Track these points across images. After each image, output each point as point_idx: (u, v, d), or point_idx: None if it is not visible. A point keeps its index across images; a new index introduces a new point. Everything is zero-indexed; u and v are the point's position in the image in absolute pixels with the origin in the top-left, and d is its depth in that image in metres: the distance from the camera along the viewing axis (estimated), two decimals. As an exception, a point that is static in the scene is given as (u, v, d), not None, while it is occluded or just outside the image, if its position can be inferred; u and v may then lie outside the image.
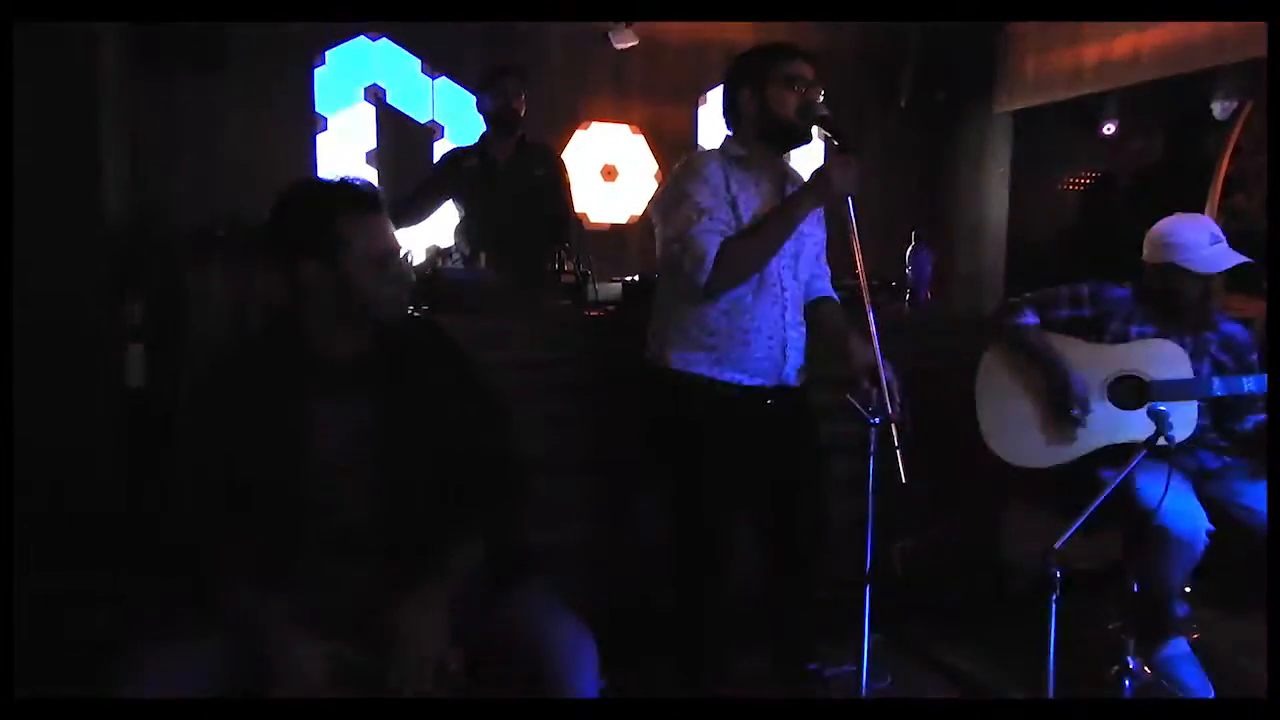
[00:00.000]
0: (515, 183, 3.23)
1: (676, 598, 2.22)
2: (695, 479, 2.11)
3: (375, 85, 3.90)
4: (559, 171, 3.37)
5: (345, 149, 3.81)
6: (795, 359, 2.12)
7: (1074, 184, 5.21)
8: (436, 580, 1.48)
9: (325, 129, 3.81)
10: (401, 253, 1.54)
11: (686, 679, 2.24)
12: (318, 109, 3.79)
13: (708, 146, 2.18)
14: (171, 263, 2.59)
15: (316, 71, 3.77)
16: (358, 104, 3.89)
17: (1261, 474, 2.26)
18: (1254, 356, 2.37)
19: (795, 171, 2.19)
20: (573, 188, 3.42)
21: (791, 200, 2.00)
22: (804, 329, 2.15)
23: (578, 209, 3.60)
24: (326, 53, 3.79)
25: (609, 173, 4.32)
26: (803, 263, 2.14)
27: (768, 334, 2.06)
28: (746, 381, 2.05)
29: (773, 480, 2.17)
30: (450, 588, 1.49)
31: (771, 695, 2.34)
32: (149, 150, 3.30)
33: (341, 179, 1.53)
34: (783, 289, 2.09)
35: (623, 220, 4.35)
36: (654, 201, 2.16)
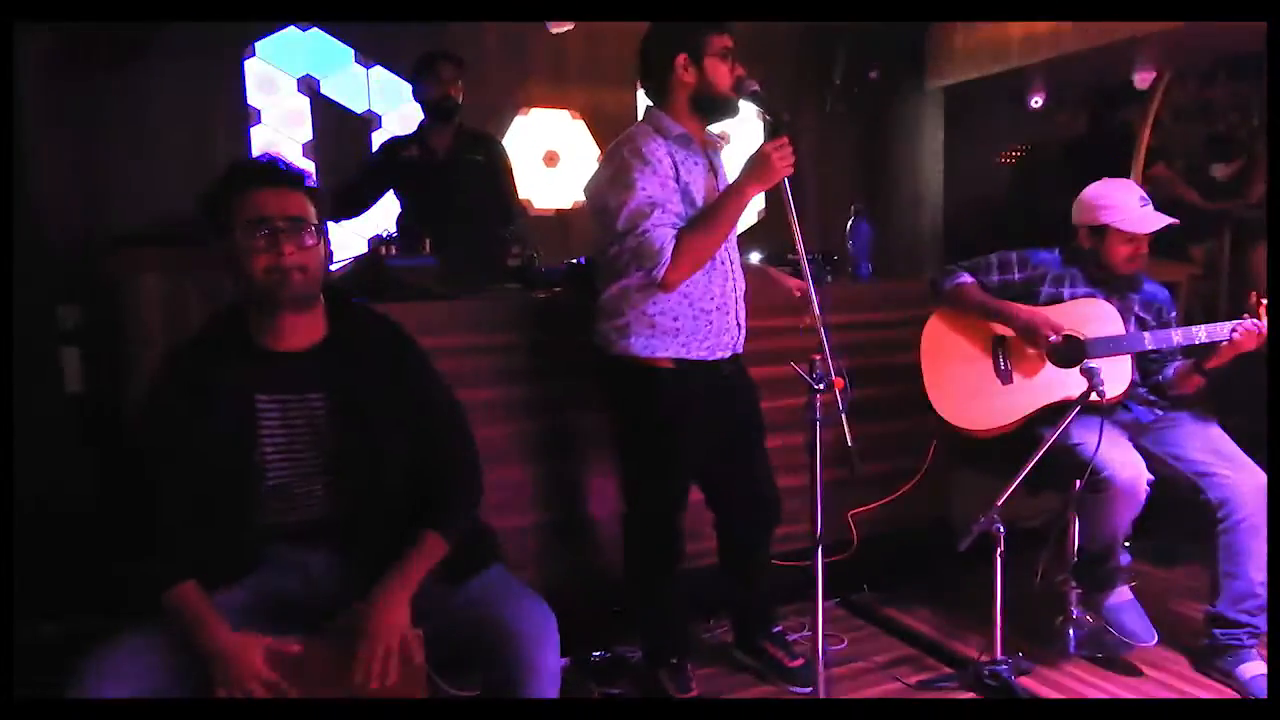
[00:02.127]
0: (456, 170, 3.20)
1: (643, 576, 2.24)
2: (670, 460, 2.15)
3: (308, 76, 3.83)
4: (500, 157, 3.36)
5: (281, 141, 3.74)
6: (743, 328, 2.21)
7: (1005, 157, 5.35)
8: (398, 577, 1.49)
9: (259, 121, 3.73)
10: (300, 227, 1.49)
11: (651, 653, 2.28)
12: (250, 101, 3.70)
13: (643, 123, 2.14)
14: (105, 264, 2.52)
15: (246, 63, 3.68)
16: (291, 95, 3.81)
17: (1191, 423, 2.36)
18: (1173, 314, 2.47)
19: (714, 138, 2.22)
20: (515, 173, 3.40)
21: (736, 188, 2.02)
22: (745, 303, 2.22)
23: (521, 196, 3.57)
24: (256, 44, 3.70)
25: (551, 158, 4.30)
26: (734, 235, 2.19)
27: (724, 309, 2.13)
28: (710, 357, 2.12)
29: (729, 446, 2.22)
30: (411, 583, 1.49)
31: (739, 661, 2.39)
32: (76, 150, 3.20)
33: (252, 156, 1.54)
34: (730, 263, 2.17)
35: (566, 206, 4.33)
36: (597, 187, 2.12)
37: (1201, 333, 2.28)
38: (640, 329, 2.07)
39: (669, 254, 1.97)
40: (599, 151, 4.37)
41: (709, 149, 2.19)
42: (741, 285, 2.21)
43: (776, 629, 2.40)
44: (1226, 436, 2.31)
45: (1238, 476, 2.21)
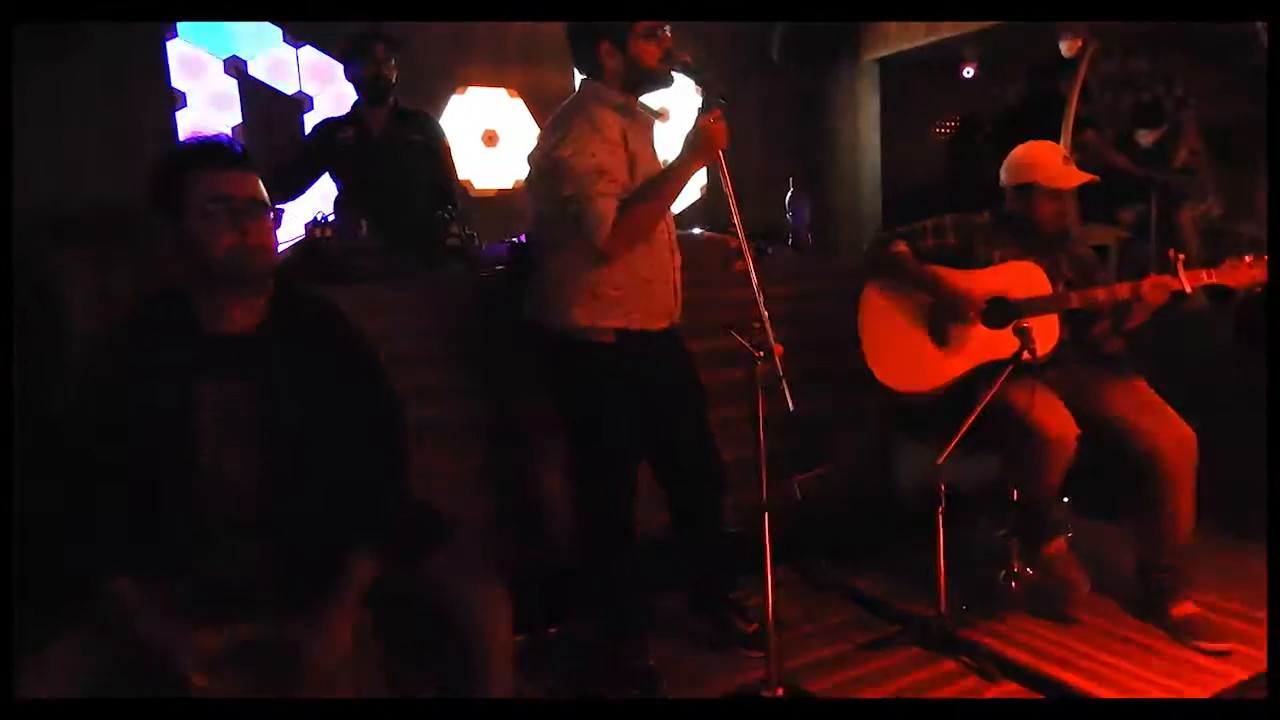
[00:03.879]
0: (393, 151, 3.15)
1: (597, 551, 2.25)
2: (616, 431, 2.16)
3: (235, 57, 3.72)
4: (438, 137, 3.31)
5: (209, 124, 3.63)
6: (680, 296, 2.25)
7: (941, 128, 5.43)
8: (334, 599, 1.44)
9: (185, 105, 3.62)
10: (256, 207, 1.48)
11: (611, 628, 2.28)
12: (174, 84, 3.59)
13: (586, 92, 2.13)
14: (33, 253, 2.43)
15: (169, 44, 3.56)
16: (218, 77, 3.70)
17: (1118, 378, 2.44)
18: (1099, 274, 2.55)
19: (652, 110, 2.23)
20: (453, 153, 3.36)
21: (678, 164, 2.04)
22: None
23: (461, 176, 3.53)
24: (178, 24, 3.58)
25: (490, 138, 4.26)
26: (686, 205, 2.21)
27: (663, 279, 2.16)
28: (650, 327, 2.14)
29: (672, 416, 2.25)
30: (349, 604, 1.45)
31: (696, 628, 2.41)
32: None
33: (193, 136, 1.54)
34: (669, 234, 2.20)
35: (507, 186, 4.29)
36: (545, 150, 2.09)
37: (1124, 289, 2.35)
38: (582, 298, 2.07)
39: (610, 224, 1.97)
40: (538, 130, 4.34)
41: (647, 118, 2.19)
42: (678, 256, 2.24)
43: (731, 595, 2.43)
44: (1152, 391, 2.40)
45: (1162, 429, 2.29)
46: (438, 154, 3.27)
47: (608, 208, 1.98)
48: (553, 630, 2.41)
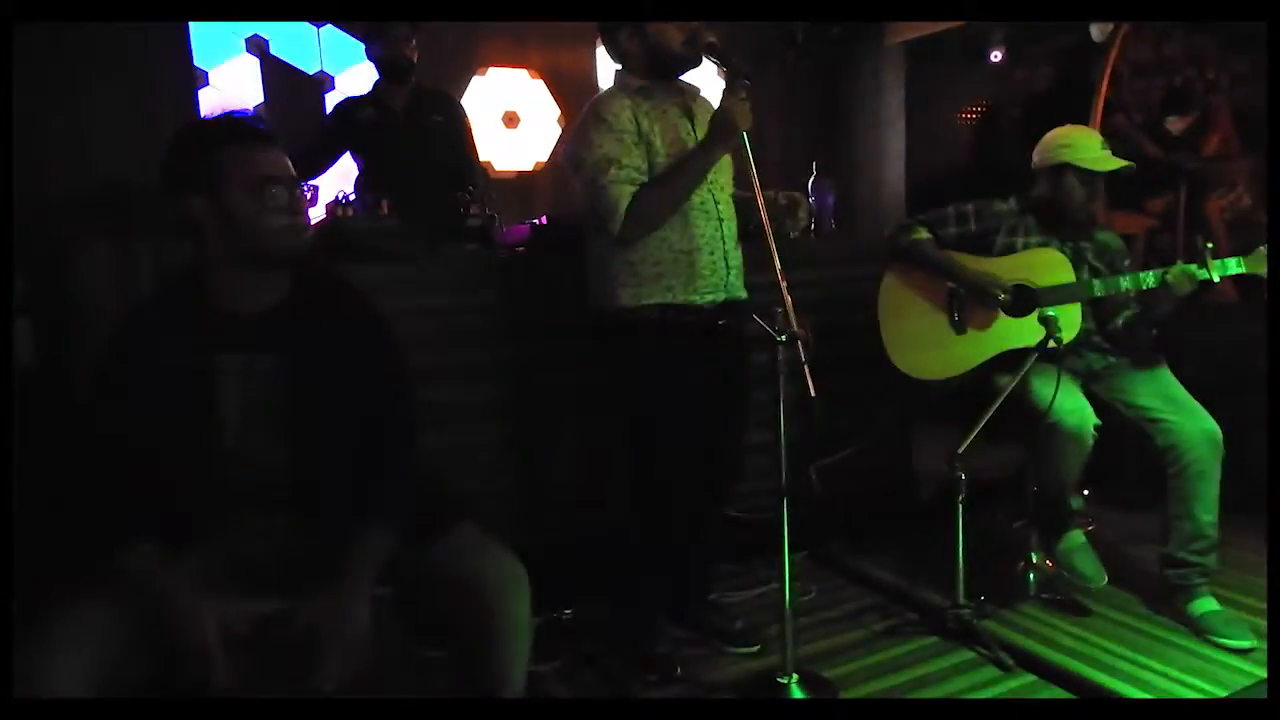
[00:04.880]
0: (414, 131, 3.15)
1: (642, 529, 2.23)
2: (663, 411, 2.13)
3: (257, 36, 3.72)
4: (460, 118, 3.30)
5: (230, 104, 3.64)
6: (737, 270, 2.20)
7: (966, 113, 5.35)
8: (351, 576, 1.43)
9: (206, 84, 3.63)
10: (297, 186, 1.49)
11: (633, 612, 2.28)
12: (196, 63, 3.60)
13: (607, 85, 2.17)
14: (53, 232, 2.45)
15: (191, 23, 3.57)
16: (240, 56, 3.71)
17: (1141, 369, 2.41)
18: (1125, 263, 2.51)
19: (691, 87, 2.21)
20: (474, 134, 3.35)
21: (700, 149, 2.04)
22: (739, 245, 2.21)
23: (481, 158, 3.52)
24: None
25: (511, 119, 4.24)
26: (725, 179, 2.20)
27: (708, 250, 2.12)
28: (699, 301, 2.11)
29: (706, 401, 2.18)
30: (367, 582, 1.45)
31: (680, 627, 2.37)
32: (20, 119, 3.09)
33: (224, 113, 1.52)
34: (716, 203, 2.15)
35: (528, 167, 4.28)
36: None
37: (1149, 278, 2.31)
38: (625, 279, 2.08)
39: (624, 210, 2.00)
40: (559, 112, 4.32)
41: (687, 98, 2.17)
42: (732, 230, 2.19)
43: (711, 597, 2.42)
44: (1176, 382, 2.36)
45: (1185, 422, 2.25)
46: (459, 134, 3.26)
47: (618, 194, 2.00)
48: (569, 611, 2.41)
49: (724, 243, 2.15)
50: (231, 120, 1.52)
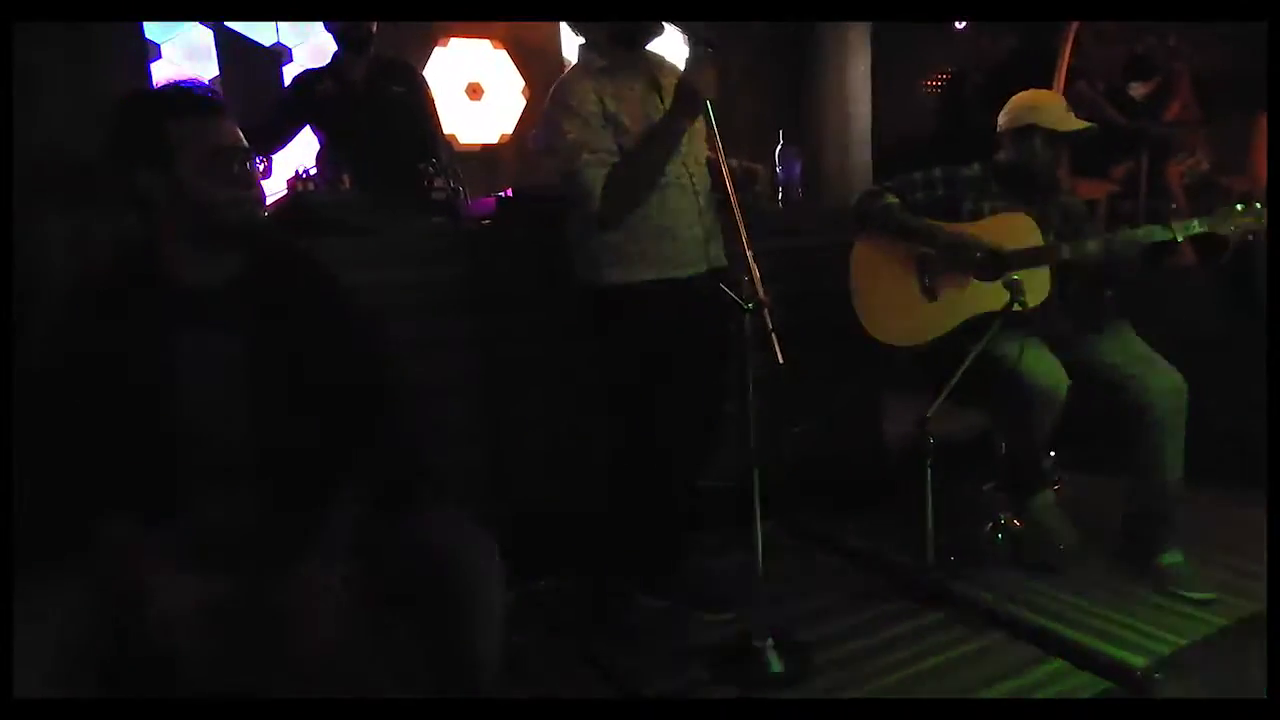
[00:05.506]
0: (375, 103, 3.09)
1: (635, 498, 2.25)
2: (660, 380, 2.15)
3: (211, 7, 3.62)
4: (421, 89, 3.25)
5: (182, 75, 3.54)
6: (718, 241, 2.22)
7: (931, 81, 5.36)
8: (318, 551, 1.43)
9: (159, 56, 3.53)
10: (248, 156, 1.46)
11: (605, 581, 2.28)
12: (148, 36, 3.49)
13: (571, 64, 2.17)
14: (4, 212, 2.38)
15: (142, -6, 3.46)
16: (193, 28, 3.61)
17: (1107, 329, 2.44)
18: (1088, 226, 2.55)
19: (656, 56, 2.20)
20: (437, 105, 3.30)
21: (666, 121, 2.04)
22: (717, 214, 2.22)
23: (445, 130, 3.47)
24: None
25: (474, 90, 4.18)
26: (698, 149, 2.19)
27: (687, 224, 2.14)
28: (682, 275, 2.13)
29: (690, 369, 2.20)
30: (338, 555, 1.44)
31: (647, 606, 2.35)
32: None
33: (172, 83, 1.47)
34: (690, 176, 2.16)
35: (493, 140, 4.23)
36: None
37: (1116, 241, 2.34)
38: (609, 258, 2.10)
39: (599, 193, 2.01)
40: (523, 83, 4.26)
41: (654, 70, 2.16)
42: (708, 197, 2.19)
43: (685, 564, 2.42)
44: (1139, 339, 2.40)
45: (1153, 376, 2.30)
46: (420, 106, 3.21)
47: (593, 178, 2.01)
48: (542, 582, 2.41)
49: (702, 215, 2.16)
50: (179, 90, 1.47)
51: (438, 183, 2.63)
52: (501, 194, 2.62)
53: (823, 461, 2.84)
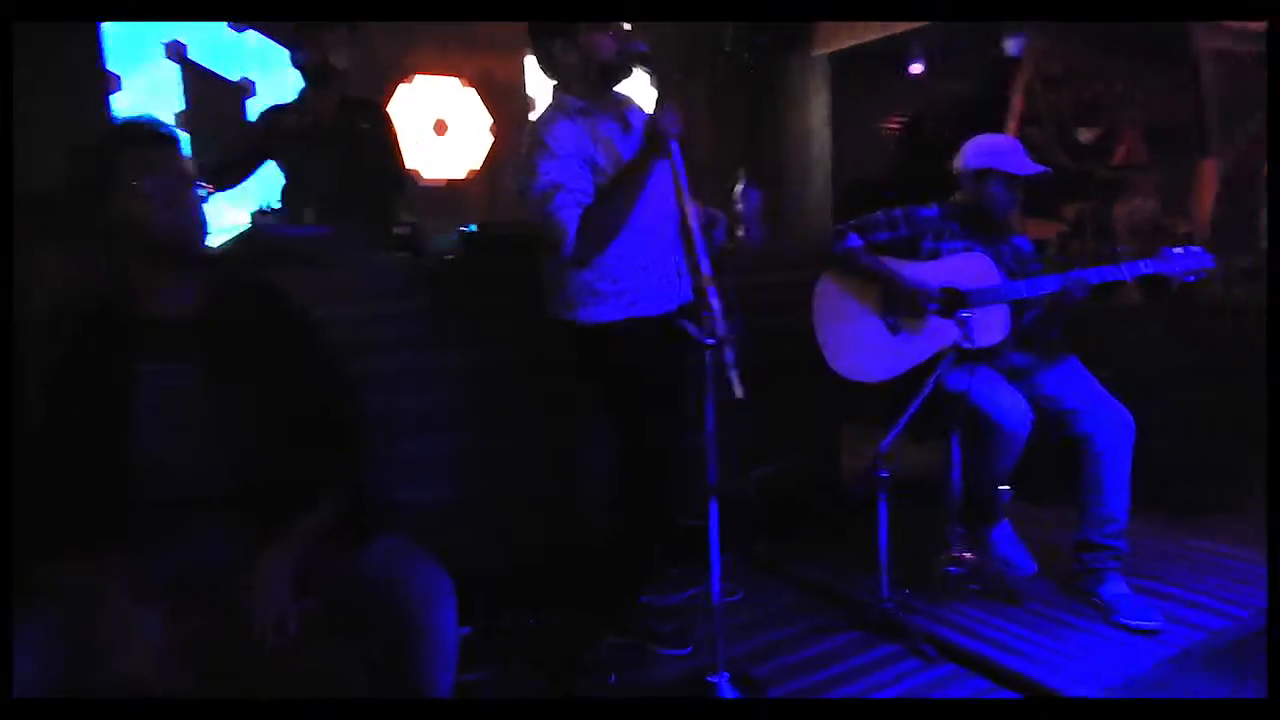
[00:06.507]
0: (341, 139, 3.10)
1: (625, 532, 2.27)
2: (639, 416, 2.18)
3: (175, 41, 3.64)
4: (385, 125, 3.27)
5: (148, 110, 3.54)
6: (687, 280, 2.25)
7: (889, 123, 5.51)
8: (282, 540, 1.48)
9: (119, 89, 3.52)
10: (189, 185, 1.50)
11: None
12: (109, 67, 3.49)
13: (545, 103, 2.20)
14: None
15: (104, 25, 3.46)
16: (157, 61, 3.61)
17: (1056, 365, 2.52)
18: (1035, 266, 2.63)
19: (625, 98, 2.25)
20: (400, 142, 3.32)
21: (635, 162, 2.07)
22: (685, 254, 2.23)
23: (409, 165, 3.49)
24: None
25: (440, 127, 4.22)
26: (663, 192, 2.17)
27: (660, 263, 2.18)
28: (655, 311, 2.16)
29: (665, 402, 2.21)
30: (296, 546, 1.48)
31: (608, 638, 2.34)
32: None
33: (125, 119, 1.52)
34: (661, 220, 2.17)
35: (459, 175, 4.27)
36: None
37: (1066, 280, 2.42)
38: (584, 298, 2.13)
39: (574, 233, 2.03)
40: (491, 120, 4.31)
41: (621, 109, 2.20)
42: (671, 235, 2.22)
43: (642, 600, 2.43)
44: (1088, 373, 2.48)
45: (1100, 410, 2.37)
46: (385, 142, 3.23)
47: (567, 219, 2.03)
48: (512, 618, 2.40)
49: (672, 252, 2.21)
50: (122, 124, 1.53)
51: (402, 219, 2.65)
52: (465, 228, 2.64)
53: (782, 494, 2.87)
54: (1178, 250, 2.38)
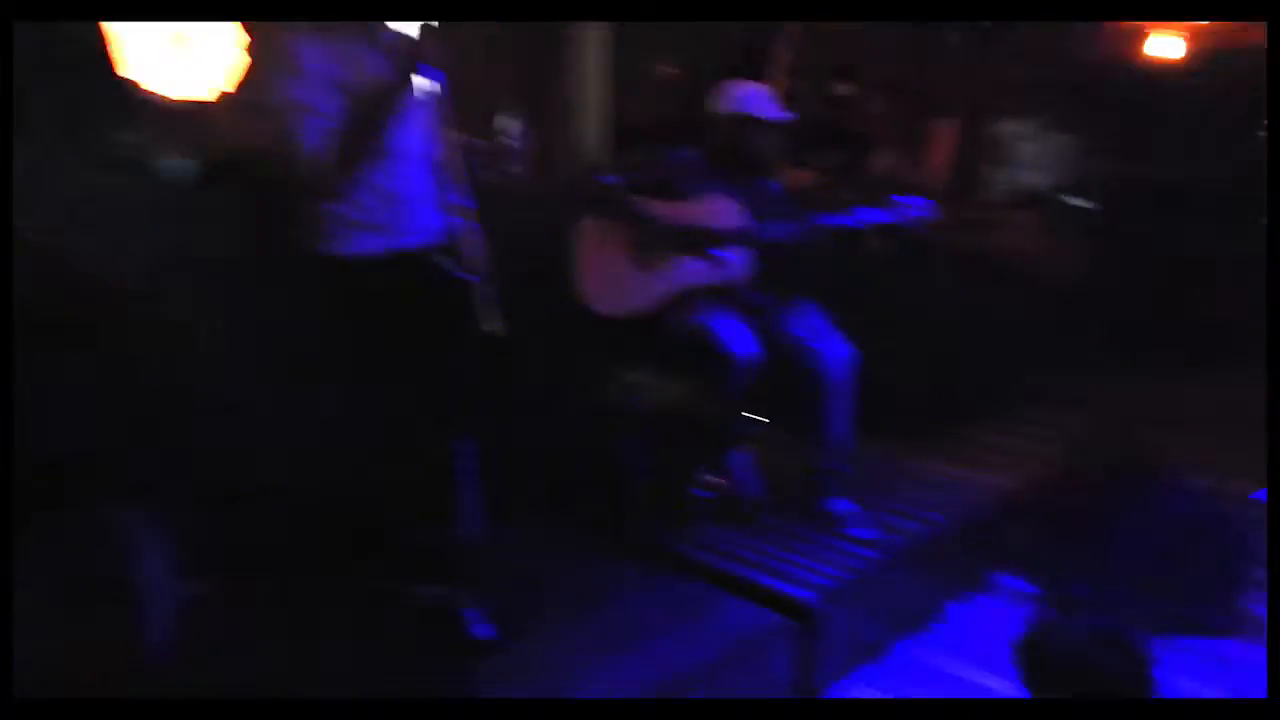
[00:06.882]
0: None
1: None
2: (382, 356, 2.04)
3: None
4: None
5: None
6: (447, 212, 2.14)
7: (665, 71, 5.60)
8: None
9: None
10: None
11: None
12: None
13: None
14: None
15: None
16: None
17: (795, 305, 2.72)
18: (784, 209, 2.80)
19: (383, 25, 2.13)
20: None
21: (389, 85, 1.97)
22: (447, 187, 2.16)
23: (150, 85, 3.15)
24: None
25: (180, 39, 3.82)
26: (427, 119, 2.10)
27: (420, 194, 2.08)
28: (416, 241, 2.07)
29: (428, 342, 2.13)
30: None
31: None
32: None
33: None
34: (421, 145, 2.08)
35: (204, 95, 3.90)
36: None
37: (808, 225, 2.62)
38: (332, 227, 1.99)
39: (320, 157, 1.90)
40: (241, 33, 3.96)
41: (377, 34, 2.07)
42: (435, 168, 2.13)
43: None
44: (821, 315, 2.71)
45: (828, 348, 2.61)
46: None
47: (314, 143, 1.90)
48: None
49: (430, 184, 2.12)
50: None
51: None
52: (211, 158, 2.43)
53: (543, 433, 2.91)
54: (903, 200, 2.64)
